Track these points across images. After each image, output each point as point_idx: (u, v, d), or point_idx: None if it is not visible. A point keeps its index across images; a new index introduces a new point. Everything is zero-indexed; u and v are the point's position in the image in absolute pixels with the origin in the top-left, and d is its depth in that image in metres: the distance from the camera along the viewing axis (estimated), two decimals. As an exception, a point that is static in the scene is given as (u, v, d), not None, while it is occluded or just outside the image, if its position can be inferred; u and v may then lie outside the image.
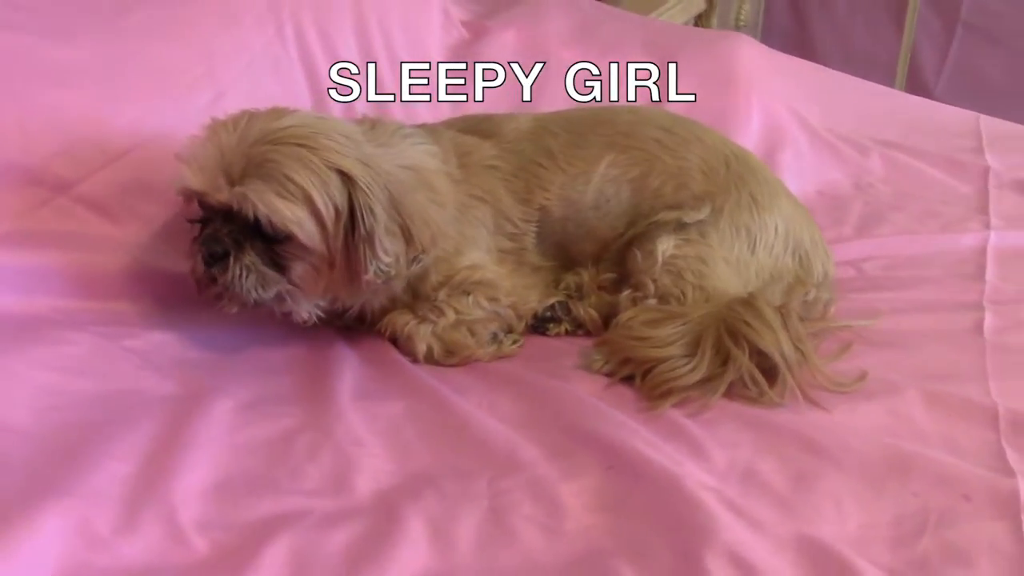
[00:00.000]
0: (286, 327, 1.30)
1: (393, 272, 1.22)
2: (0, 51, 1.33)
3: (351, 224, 1.20)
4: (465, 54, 1.87)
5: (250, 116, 1.23)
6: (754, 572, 0.93)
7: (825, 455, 1.12)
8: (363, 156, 1.22)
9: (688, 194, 1.40)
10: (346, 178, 1.19)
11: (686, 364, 1.21)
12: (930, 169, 1.90)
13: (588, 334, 1.40)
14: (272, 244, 1.21)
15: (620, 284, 1.40)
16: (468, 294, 1.33)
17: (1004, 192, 1.83)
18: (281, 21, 1.63)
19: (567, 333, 1.41)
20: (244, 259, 1.20)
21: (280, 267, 1.22)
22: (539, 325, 1.40)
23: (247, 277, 1.21)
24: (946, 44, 3.88)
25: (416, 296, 1.34)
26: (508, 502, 1.04)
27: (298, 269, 1.22)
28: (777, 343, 1.21)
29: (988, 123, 2.16)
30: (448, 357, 1.31)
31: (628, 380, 1.26)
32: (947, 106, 2.26)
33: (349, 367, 1.26)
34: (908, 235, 1.67)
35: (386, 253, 1.21)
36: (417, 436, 1.14)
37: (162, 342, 1.25)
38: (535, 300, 1.40)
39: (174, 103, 1.45)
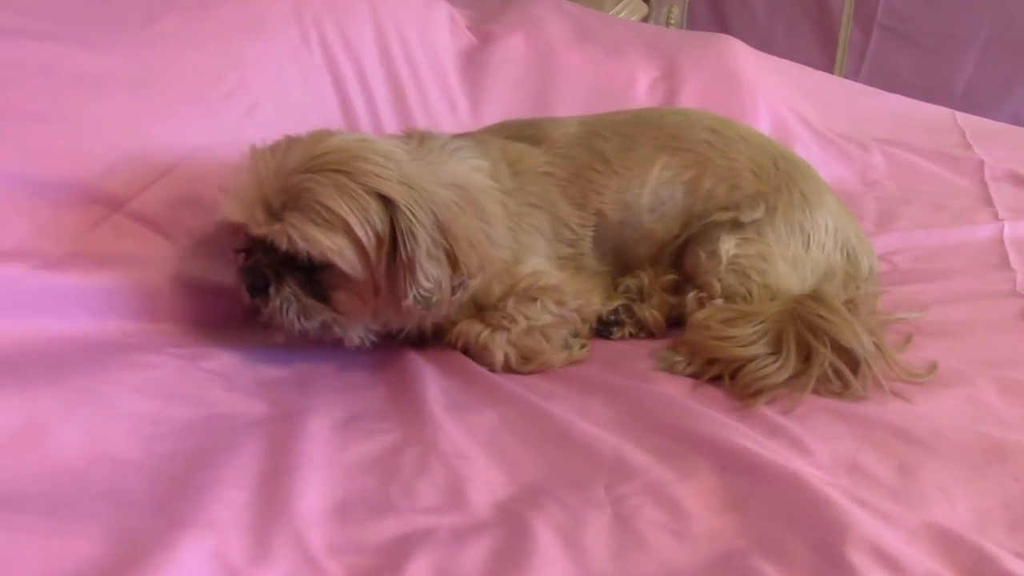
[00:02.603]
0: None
1: (435, 298, 1.19)
2: (36, 62, 1.27)
3: (393, 249, 1.17)
4: (478, 58, 1.86)
5: (289, 143, 1.21)
6: (896, 564, 0.94)
7: (921, 445, 1.14)
8: (405, 177, 1.19)
9: (741, 194, 1.42)
10: (387, 202, 1.16)
11: (774, 362, 1.23)
12: (928, 164, 1.97)
13: (650, 336, 1.41)
14: (313, 273, 1.19)
15: (680, 285, 1.41)
16: (535, 300, 1.32)
17: (1000, 184, 1.91)
18: (305, 27, 1.60)
19: (630, 336, 1.41)
20: (285, 290, 1.19)
21: (323, 296, 1.20)
22: (603, 329, 1.40)
23: (289, 308, 1.19)
24: (864, 45, 4.05)
25: (480, 308, 1.33)
26: (630, 508, 1.03)
27: (341, 297, 1.20)
28: (856, 335, 1.24)
29: (963, 119, 2.25)
30: (525, 364, 1.29)
31: (712, 380, 1.26)
32: (923, 103, 2.34)
33: (431, 379, 1.24)
34: (924, 228, 1.73)
35: (427, 279, 1.18)
36: (519, 445, 1.13)
37: (239, 362, 1.21)
38: (597, 303, 1.39)
39: (212, 114, 1.41)
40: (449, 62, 1.82)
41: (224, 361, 1.20)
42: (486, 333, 1.29)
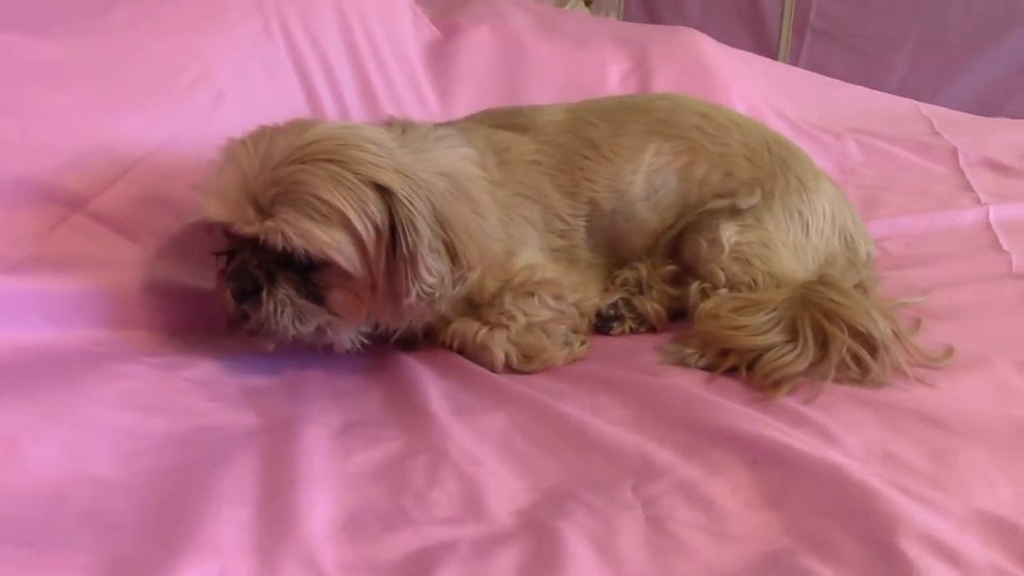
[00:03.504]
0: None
1: (437, 294, 1.11)
2: (-18, 51, 1.16)
3: (392, 243, 1.09)
4: (444, 51, 1.78)
5: (272, 133, 1.10)
6: (954, 555, 0.88)
7: (951, 430, 1.09)
8: (399, 165, 1.11)
9: (736, 181, 1.36)
10: (384, 192, 1.08)
11: (792, 350, 1.17)
12: (902, 152, 1.95)
13: (651, 331, 1.34)
14: (307, 273, 1.09)
15: (680, 276, 1.34)
16: (532, 295, 1.24)
17: (976, 170, 1.89)
18: (266, 16, 1.51)
19: (631, 331, 1.34)
20: (278, 293, 1.08)
21: (317, 297, 1.10)
22: (602, 324, 1.33)
23: (283, 312, 1.08)
24: (798, 47, 4.11)
25: (473, 306, 1.24)
26: (662, 509, 0.96)
27: (337, 297, 1.11)
28: (872, 319, 1.18)
29: (926, 109, 2.24)
30: (526, 363, 1.21)
31: (726, 372, 1.20)
32: (886, 94, 2.33)
33: (429, 381, 1.15)
34: (911, 215, 1.70)
35: (430, 273, 1.09)
36: (533, 448, 1.05)
37: (220, 370, 1.11)
38: (596, 297, 1.32)
39: (175, 107, 1.31)
40: (415, 54, 1.74)
41: (204, 370, 1.10)
42: (484, 332, 1.21)
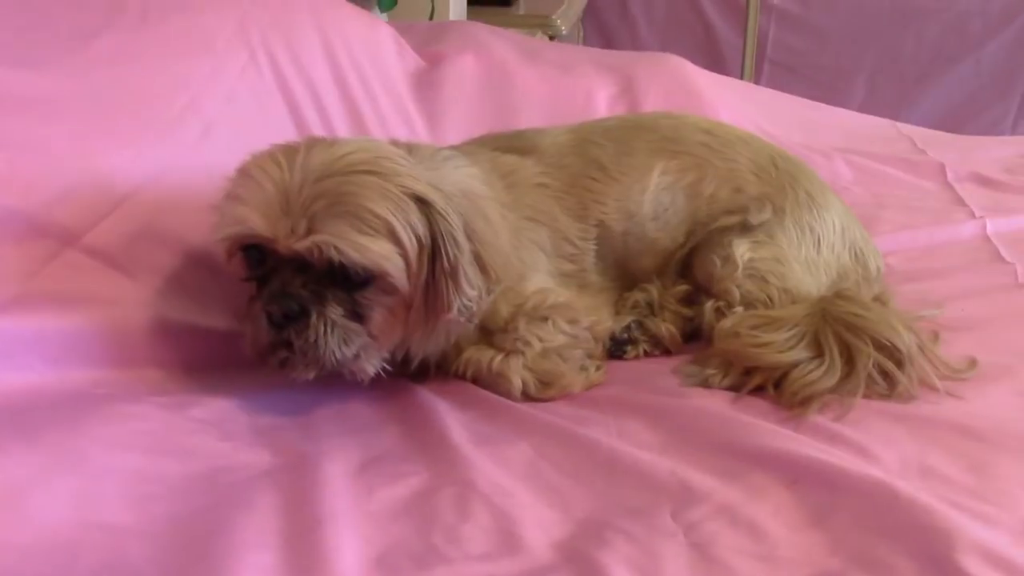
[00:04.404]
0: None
1: (475, 308, 1.08)
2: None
3: (431, 256, 1.05)
4: (430, 79, 1.75)
5: (305, 146, 1.06)
6: (1014, 568, 0.85)
7: (987, 442, 1.06)
8: (429, 179, 1.08)
9: (745, 197, 1.33)
10: (423, 204, 1.04)
11: (819, 366, 1.13)
12: (890, 169, 1.94)
13: (666, 353, 1.30)
14: (352, 291, 1.04)
15: (692, 295, 1.31)
16: (546, 320, 1.20)
17: (965, 185, 1.89)
18: (252, 47, 1.46)
19: (645, 354, 1.30)
20: (328, 313, 1.02)
21: (360, 317, 1.05)
22: (616, 348, 1.28)
23: (332, 334, 1.02)
24: (756, 78, 4.16)
25: (485, 332, 1.20)
26: (706, 534, 0.92)
27: (378, 317, 1.06)
28: (896, 331, 1.16)
29: (904, 128, 2.25)
30: (544, 390, 1.16)
31: (751, 391, 1.16)
32: (864, 115, 2.34)
33: (447, 412, 1.10)
34: (910, 230, 1.68)
35: (471, 286, 1.06)
36: (563, 477, 1.00)
37: (229, 408, 1.05)
38: (609, 321, 1.28)
39: (165, 139, 1.26)
40: (401, 83, 1.71)
41: (213, 408, 1.04)
42: (499, 359, 1.16)
